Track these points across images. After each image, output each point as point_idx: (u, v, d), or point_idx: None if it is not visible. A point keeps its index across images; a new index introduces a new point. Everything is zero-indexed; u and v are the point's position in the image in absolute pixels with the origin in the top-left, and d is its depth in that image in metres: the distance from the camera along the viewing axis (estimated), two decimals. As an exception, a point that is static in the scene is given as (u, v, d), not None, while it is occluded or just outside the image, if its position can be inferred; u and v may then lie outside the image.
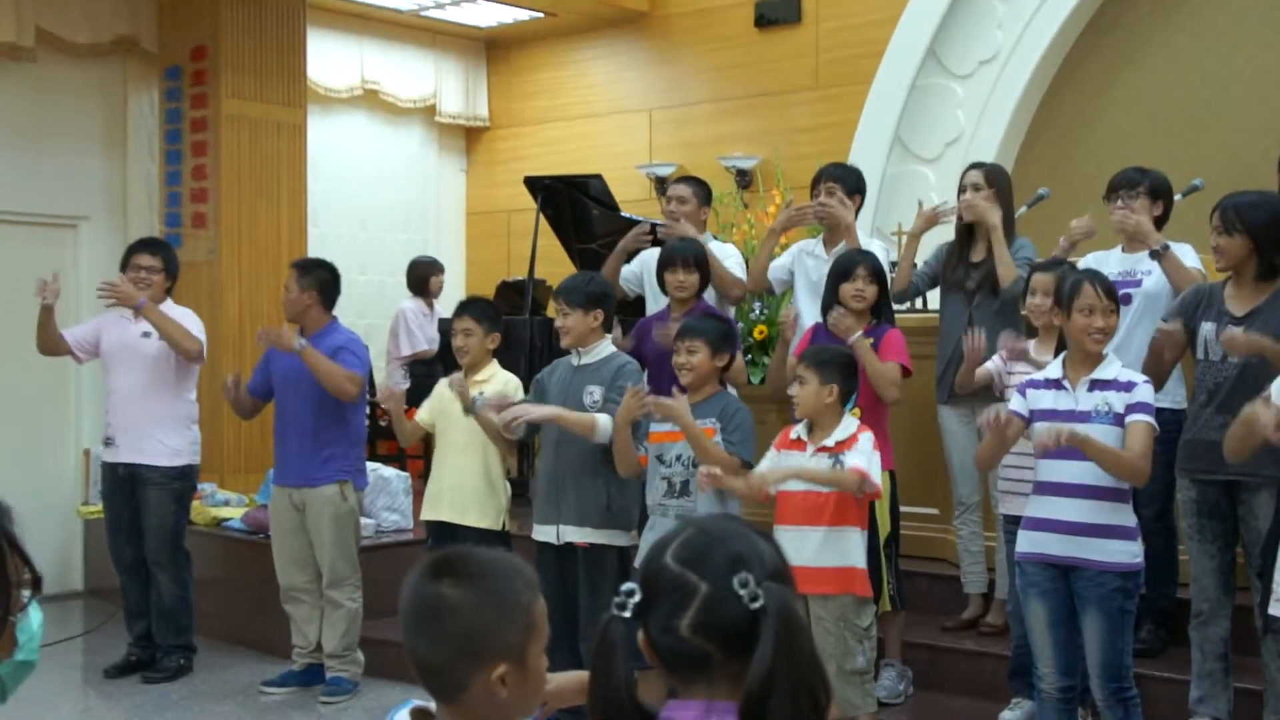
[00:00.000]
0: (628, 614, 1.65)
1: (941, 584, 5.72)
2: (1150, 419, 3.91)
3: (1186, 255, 4.81)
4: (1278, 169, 4.70)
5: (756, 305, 6.77)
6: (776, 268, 5.82)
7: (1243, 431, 3.55)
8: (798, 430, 4.47)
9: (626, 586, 1.67)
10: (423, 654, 1.79)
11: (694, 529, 1.71)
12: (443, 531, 5.33)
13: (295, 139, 8.27)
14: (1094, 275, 4.08)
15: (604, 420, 4.74)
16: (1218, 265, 4.31)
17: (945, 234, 5.69)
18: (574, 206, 8.13)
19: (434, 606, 1.77)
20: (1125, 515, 3.96)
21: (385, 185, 10.55)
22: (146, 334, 5.99)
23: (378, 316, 10.03)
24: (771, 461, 4.49)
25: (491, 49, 11.02)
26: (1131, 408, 3.90)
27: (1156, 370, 4.36)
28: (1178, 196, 5.47)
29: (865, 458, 4.28)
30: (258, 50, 8.07)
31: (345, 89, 10.10)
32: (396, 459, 8.83)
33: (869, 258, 5.06)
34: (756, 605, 1.58)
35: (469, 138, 11.22)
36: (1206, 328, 4.29)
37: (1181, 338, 4.34)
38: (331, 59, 9.90)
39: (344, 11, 9.87)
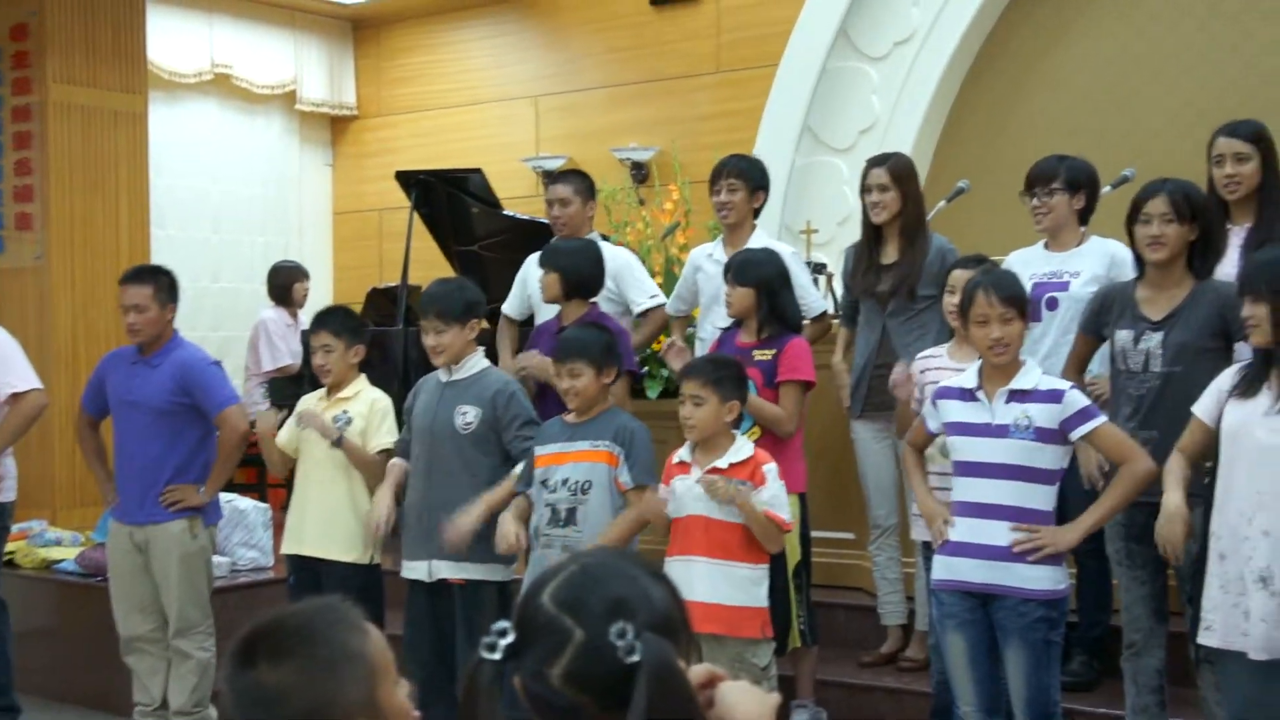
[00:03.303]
0: (497, 656, 1.63)
1: (858, 616, 5.75)
2: (1103, 418, 4.00)
3: (1120, 261, 4.89)
4: (1208, 158, 4.79)
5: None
6: (682, 291, 5.88)
7: None
8: (681, 454, 4.48)
9: (498, 626, 1.66)
10: None
11: (578, 566, 1.70)
12: (305, 567, 5.28)
13: (135, 129, 8.12)
14: (989, 281, 4.07)
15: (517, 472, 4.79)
16: (1157, 257, 4.31)
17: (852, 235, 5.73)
18: (452, 204, 8.08)
19: (259, 698, 1.72)
20: (1049, 538, 4.01)
21: (240, 181, 10.41)
22: None
23: (235, 328, 9.90)
24: (666, 496, 4.50)
25: (358, 29, 10.94)
26: (1074, 419, 3.94)
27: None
28: (1107, 188, 5.56)
29: (779, 500, 4.35)
30: (89, 29, 7.91)
31: (193, 73, 9.94)
32: (255, 489, 8.69)
33: (736, 258, 5.07)
34: (632, 659, 1.57)
35: (335, 128, 11.11)
36: (1123, 336, 4.35)
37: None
38: (176, 39, 9.75)
39: (190, -14, 9.75)
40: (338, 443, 5.17)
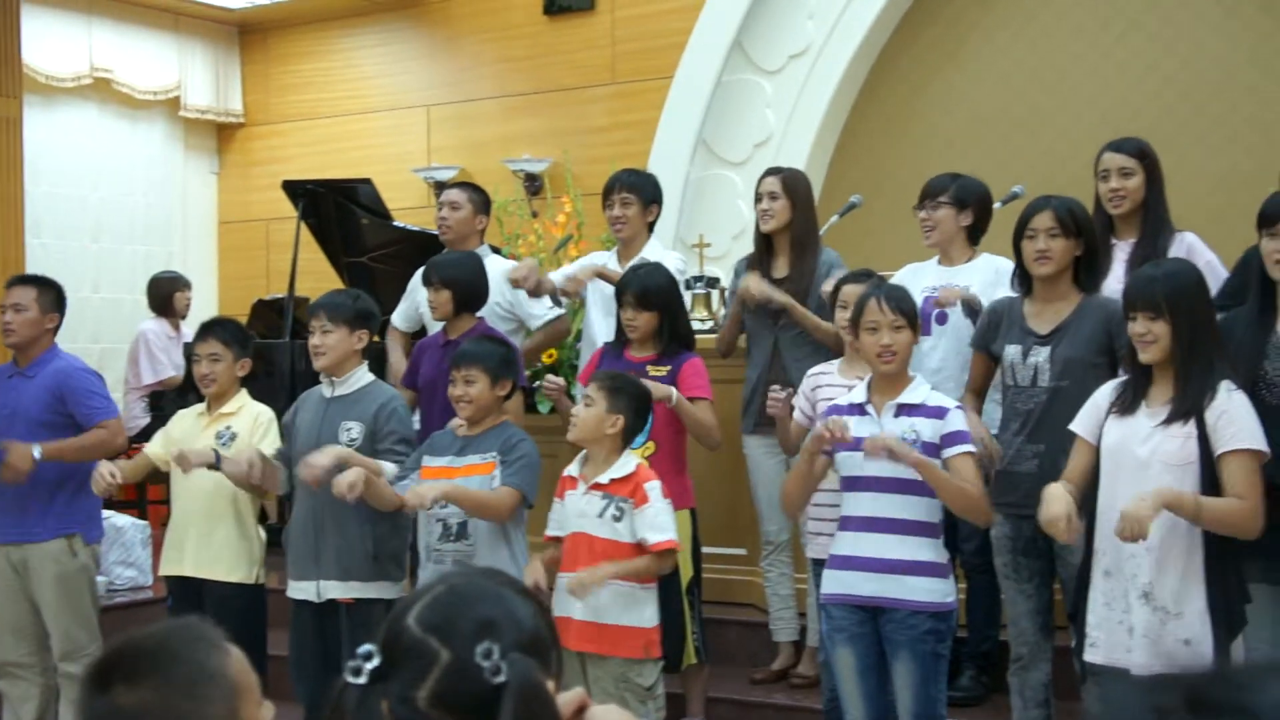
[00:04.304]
0: (362, 680, 1.62)
1: (750, 632, 5.80)
2: (971, 448, 4.06)
3: (1007, 275, 5.00)
4: (1095, 174, 4.92)
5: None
6: (566, 279, 5.89)
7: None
8: (571, 468, 4.52)
9: (363, 649, 1.64)
10: None
11: (445, 586, 1.70)
12: (186, 588, 5.20)
13: (9, 134, 7.97)
14: (880, 289, 4.20)
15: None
16: (1044, 271, 4.41)
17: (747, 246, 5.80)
18: (341, 215, 8.04)
19: None
20: (937, 551, 4.10)
21: (121, 189, 10.26)
22: None
23: (115, 340, 9.75)
24: (556, 514, 4.52)
25: (245, 34, 10.83)
26: (949, 438, 4.04)
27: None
28: (997, 204, 5.68)
29: (660, 518, 4.37)
30: (-40, 31, 7.76)
31: (71, 77, 9.78)
32: (135, 505, 8.57)
33: (634, 281, 5.11)
34: (498, 679, 1.58)
35: (220, 135, 10.98)
36: (1011, 351, 4.45)
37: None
38: (54, 41, 9.59)
39: (68, -13, 9.60)
40: (216, 464, 5.08)
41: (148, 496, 8.64)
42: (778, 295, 5.25)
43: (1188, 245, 4.77)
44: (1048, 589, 4.48)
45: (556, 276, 5.76)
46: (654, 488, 4.40)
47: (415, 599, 1.69)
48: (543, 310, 5.85)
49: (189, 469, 5.02)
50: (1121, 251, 4.81)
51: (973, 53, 8.31)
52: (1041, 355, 4.37)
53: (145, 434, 8.37)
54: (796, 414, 4.90)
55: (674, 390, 4.92)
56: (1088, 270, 4.45)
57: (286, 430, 5.08)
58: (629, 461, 4.46)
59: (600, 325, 5.74)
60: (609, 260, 5.83)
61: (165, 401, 8.30)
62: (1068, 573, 4.28)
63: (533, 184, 9.28)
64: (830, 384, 4.72)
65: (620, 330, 5.17)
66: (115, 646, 1.74)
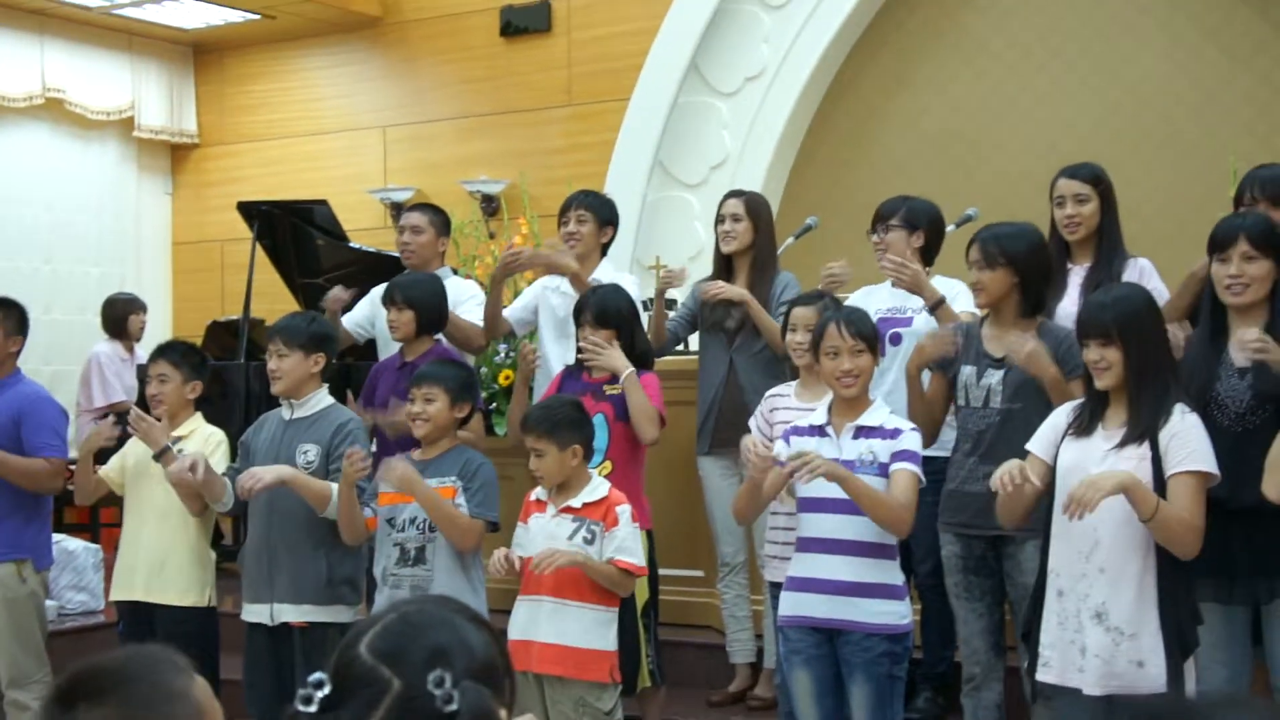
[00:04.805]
0: (313, 709, 1.63)
1: (707, 654, 5.79)
2: (914, 468, 4.08)
3: (960, 295, 5.04)
4: (1050, 199, 4.97)
5: (502, 348, 6.79)
6: (519, 307, 5.90)
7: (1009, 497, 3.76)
8: (538, 492, 4.51)
9: (314, 677, 1.65)
10: None
11: (396, 614, 1.71)
12: (137, 613, 5.16)
13: (-41, 155, 7.91)
14: (840, 314, 4.24)
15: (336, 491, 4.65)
16: (978, 302, 4.48)
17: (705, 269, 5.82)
18: (296, 236, 8.02)
19: None
20: (892, 573, 4.12)
21: (74, 210, 10.20)
22: None
23: (67, 362, 9.66)
24: (520, 537, 4.51)
25: (200, 54, 10.80)
26: (896, 455, 4.07)
27: (926, 413, 4.54)
28: (951, 227, 5.73)
29: (629, 542, 4.37)
30: (-90, 50, 7.70)
31: (22, 97, 9.73)
32: (88, 529, 8.50)
33: (593, 301, 5.11)
34: (450, 708, 1.59)
35: (175, 156, 10.94)
36: (967, 371, 4.48)
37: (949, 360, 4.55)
38: (5, 61, 9.56)
39: (19, 6, 9.53)
40: (159, 456, 4.94)
41: (100, 520, 8.56)
42: (733, 291, 5.29)
43: (1140, 269, 4.83)
44: (999, 608, 4.50)
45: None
46: (624, 511, 4.40)
47: (366, 627, 1.70)
48: (472, 318, 5.79)
49: (145, 436, 4.96)
50: (1077, 276, 4.86)
51: (926, 77, 8.39)
52: (995, 378, 4.40)
53: (97, 456, 8.30)
54: (754, 434, 4.91)
55: (629, 369, 4.92)
56: (1026, 297, 4.42)
57: (244, 448, 5.04)
58: (600, 486, 4.46)
59: (552, 350, 5.73)
60: (562, 281, 5.82)
61: (119, 423, 8.24)
62: (1017, 593, 4.31)
63: (489, 205, 9.29)
64: (787, 406, 4.75)
65: (580, 352, 5.17)
66: (79, 668, 1.74)
